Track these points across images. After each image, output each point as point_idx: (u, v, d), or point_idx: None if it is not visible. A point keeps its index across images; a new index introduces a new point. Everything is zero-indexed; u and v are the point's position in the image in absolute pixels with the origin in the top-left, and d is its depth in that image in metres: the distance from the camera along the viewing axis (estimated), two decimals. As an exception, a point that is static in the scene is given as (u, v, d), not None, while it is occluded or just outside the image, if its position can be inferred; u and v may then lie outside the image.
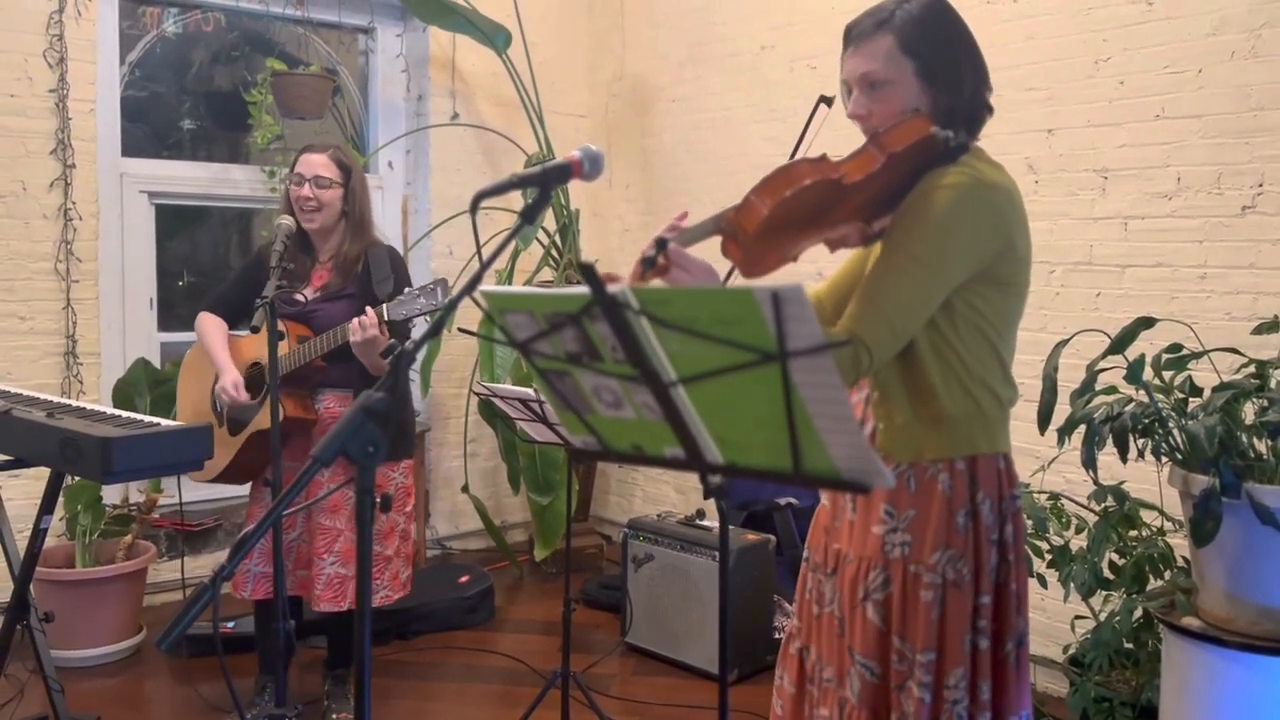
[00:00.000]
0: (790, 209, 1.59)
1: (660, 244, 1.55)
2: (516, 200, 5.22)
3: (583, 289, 1.20)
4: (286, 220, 2.95)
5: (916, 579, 1.73)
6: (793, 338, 1.11)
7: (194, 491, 4.29)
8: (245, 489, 3.36)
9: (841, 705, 1.81)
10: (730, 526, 3.76)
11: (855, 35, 1.75)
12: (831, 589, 1.85)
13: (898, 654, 1.75)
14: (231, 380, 3.07)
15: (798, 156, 1.71)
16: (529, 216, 1.47)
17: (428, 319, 3.74)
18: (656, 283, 1.56)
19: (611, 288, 1.18)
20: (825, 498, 1.94)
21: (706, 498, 1.34)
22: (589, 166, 1.55)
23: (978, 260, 1.67)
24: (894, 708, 1.75)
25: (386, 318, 2.80)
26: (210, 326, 3.20)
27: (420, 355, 1.32)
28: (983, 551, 1.73)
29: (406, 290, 2.83)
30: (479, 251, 1.44)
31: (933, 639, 1.72)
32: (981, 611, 1.74)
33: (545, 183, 1.49)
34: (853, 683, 1.78)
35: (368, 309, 2.85)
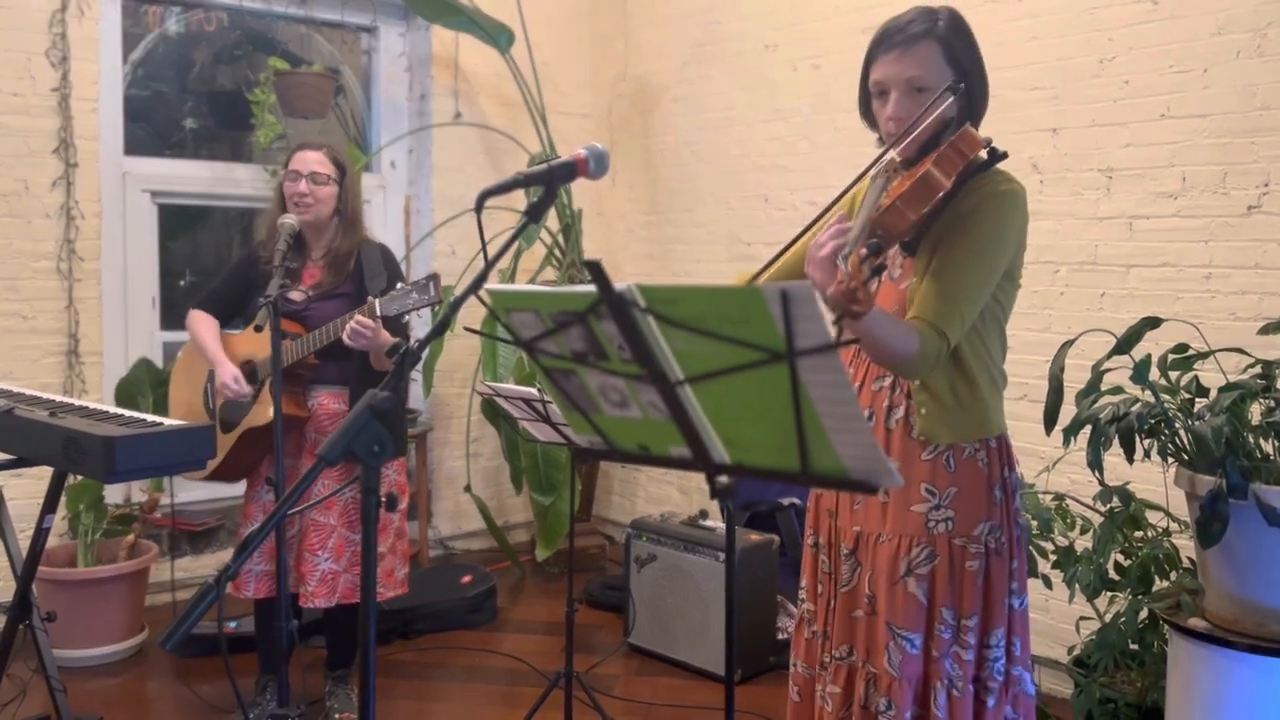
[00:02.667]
0: (929, 216, 1.70)
1: (876, 248, 1.63)
2: (518, 199, 5.22)
3: (589, 287, 1.19)
4: (290, 219, 2.95)
5: (962, 551, 1.85)
6: (801, 336, 1.10)
7: (196, 491, 4.30)
8: (243, 489, 3.35)
9: (872, 680, 1.88)
10: (726, 526, 3.75)
11: (900, 40, 1.79)
12: (849, 568, 1.93)
13: (943, 623, 1.85)
14: (230, 374, 3.07)
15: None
16: (534, 215, 1.47)
17: (420, 314, 3.74)
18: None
19: (619, 285, 1.17)
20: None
21: (713, 498, 1.33)
22: (594, 165, 1.55)
23: (1014, 256, 1.85)
24: (936, 675, 1.85)
25: (379, 313, 2.80)
26: (202, 323, 3.20)
27: (423, 354, 1.31)
28: (1013, 521, 1.89)
29: (399, 285, 2.83)
30: (484, 250, 1.43)
31: (978, 604, 1.85)
32: (1014, 574, 1.89)
33: (551, 181, 1.49)
34: (891, 656, 1.86)
35: (360, 310, 2.85)
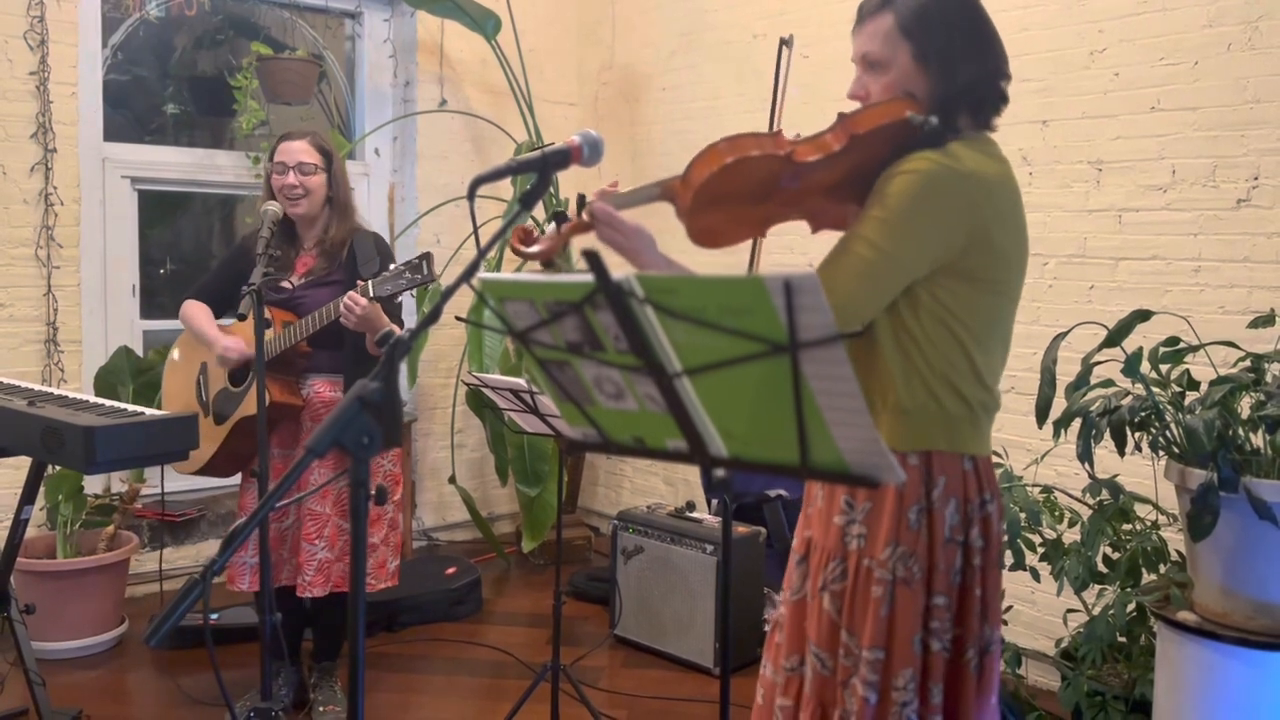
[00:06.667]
0: (734, 178, 1.58)
1: (580, 201, 1.56)
2: (504, 188, 5.16)
3: (586, 277, 1.16)
4: (273, 206, 2.91)
5: (869, 573, 1.69)
6: (804, 328, 1.08)
7: (177, 482, 4.25)
8: (228, 480, 3.31)
9: (800, 693, 1.79)
10: (722, 519, 3.74)
11: (862, 13, 1.73)
12: (799, 575, 1.84)
13: (844, 648, 1.71)
14: (229, 342, 3.04)
15: (777, 110, 1.71)
16: (527, 202, 1.44)
17: (414, 294, 3.72)
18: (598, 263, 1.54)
19: (617, 276, 1.15)
20: (806, 484, 1.91)
21: (708, 491, 1.31)
22: (589, 152, 1.52)
23: (941, 249, 1.62)
24: (838, 703, 1.72)
25: (372, 294, 2.77)
26: (196, 310, 3.17)
27: (412, 344, 1.29)
28: (937, 551, 1.68)
29: (392, 266, 2.80)
30: (476, 237, 1.40)
31: (881, 637, 1.67)
32: (934, 613, 1.68)
33: (544, 168, 1.46)
34: (807, 672, 1.77)
35: (355, 287, 2.82)
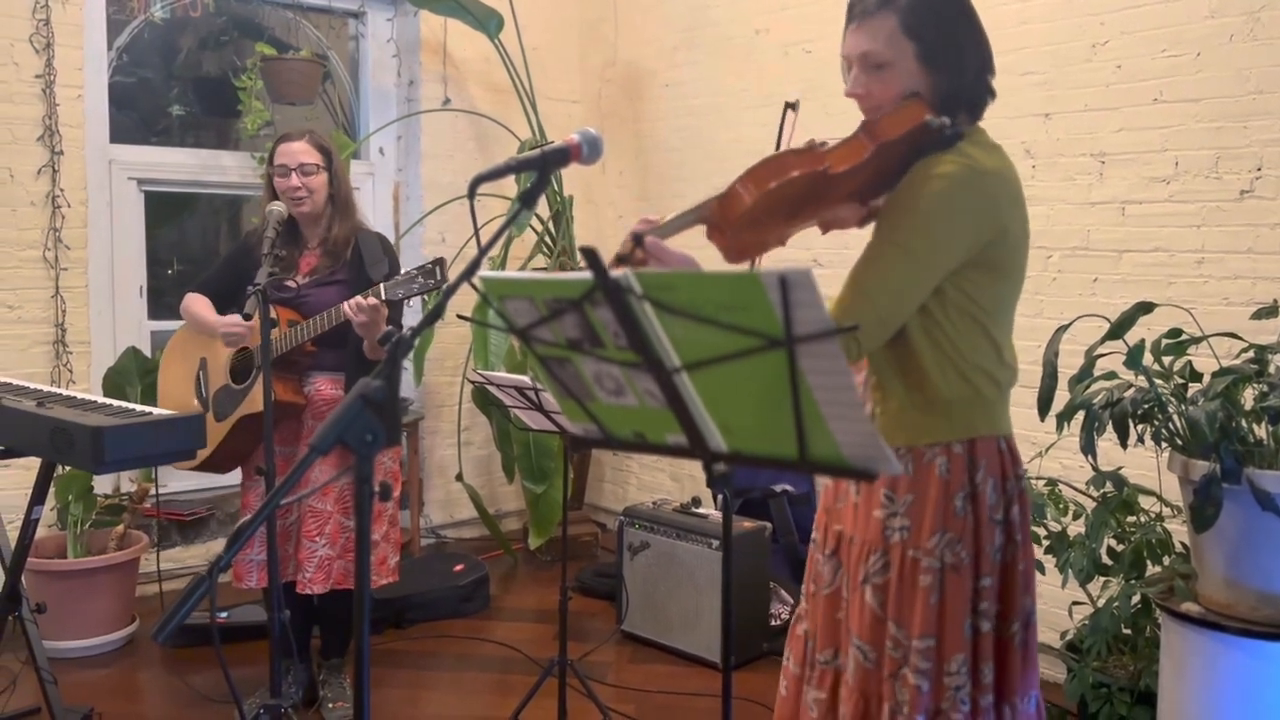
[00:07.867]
0: (775, 199, 1.60)
1: (636, 239, 1.57)
2: (508, 186, 5.18)
3: (585, 274, 1.18)
4: (278, 206, 2.92)
5: (915, 564, 1.72)
6: (800, 323, 1.09)
7: (186, 481, 4.28)
8: (236, 477, 3.33)
9: (835, 686, 1.81)
10: (723, 514, 3.75)
11: (858, 12, 1.72)
12: (830, 569, 1.85)
13: (892, 640, 1.73)
14: (229, 319, 3.05)
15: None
16: (528, 200, 1.45)
17: (425, 299, 3.75)
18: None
19: (614, 273, 1.16)
20: (828, 478, 1.94)
21: (710, 485, 1.32)
22: (588, 150, 1.53)
23: (970, 248, 1.66)
24: (886, 697, 1.74)
25: (385, 297, 2.78)
26: (197, 302, 3.18)
27: (415, 342, 1.30)
28: (983, 533, 1.72)
29: (405, 270, 2.81)
30: (477, 236, 1.41)
31: (931, 625, 1.70)
32: (983, 594, 1.72)
33: (544, 166, 1.47)
34: (849, 664, 1.78)
35: (361, 286, 2.83)
